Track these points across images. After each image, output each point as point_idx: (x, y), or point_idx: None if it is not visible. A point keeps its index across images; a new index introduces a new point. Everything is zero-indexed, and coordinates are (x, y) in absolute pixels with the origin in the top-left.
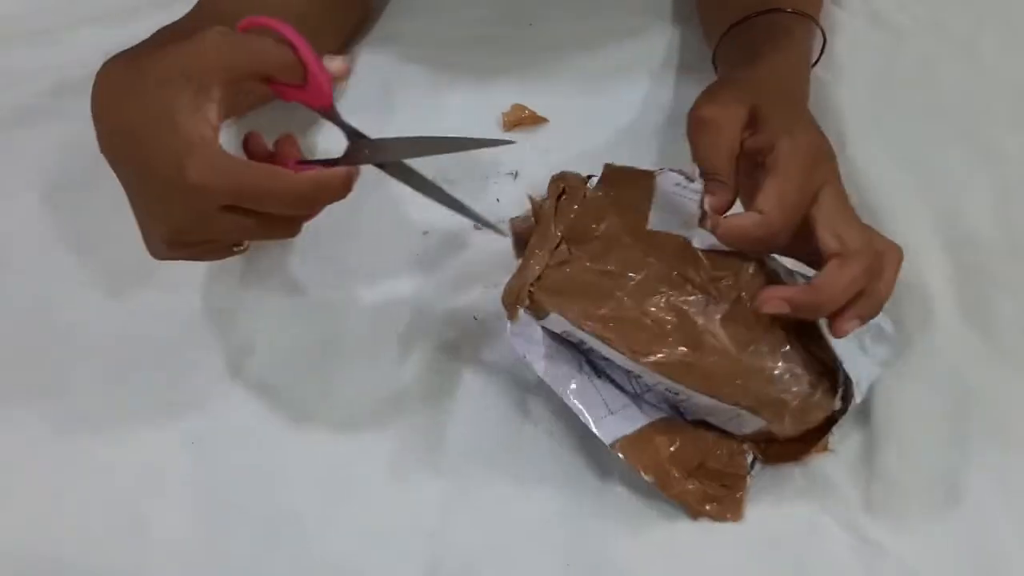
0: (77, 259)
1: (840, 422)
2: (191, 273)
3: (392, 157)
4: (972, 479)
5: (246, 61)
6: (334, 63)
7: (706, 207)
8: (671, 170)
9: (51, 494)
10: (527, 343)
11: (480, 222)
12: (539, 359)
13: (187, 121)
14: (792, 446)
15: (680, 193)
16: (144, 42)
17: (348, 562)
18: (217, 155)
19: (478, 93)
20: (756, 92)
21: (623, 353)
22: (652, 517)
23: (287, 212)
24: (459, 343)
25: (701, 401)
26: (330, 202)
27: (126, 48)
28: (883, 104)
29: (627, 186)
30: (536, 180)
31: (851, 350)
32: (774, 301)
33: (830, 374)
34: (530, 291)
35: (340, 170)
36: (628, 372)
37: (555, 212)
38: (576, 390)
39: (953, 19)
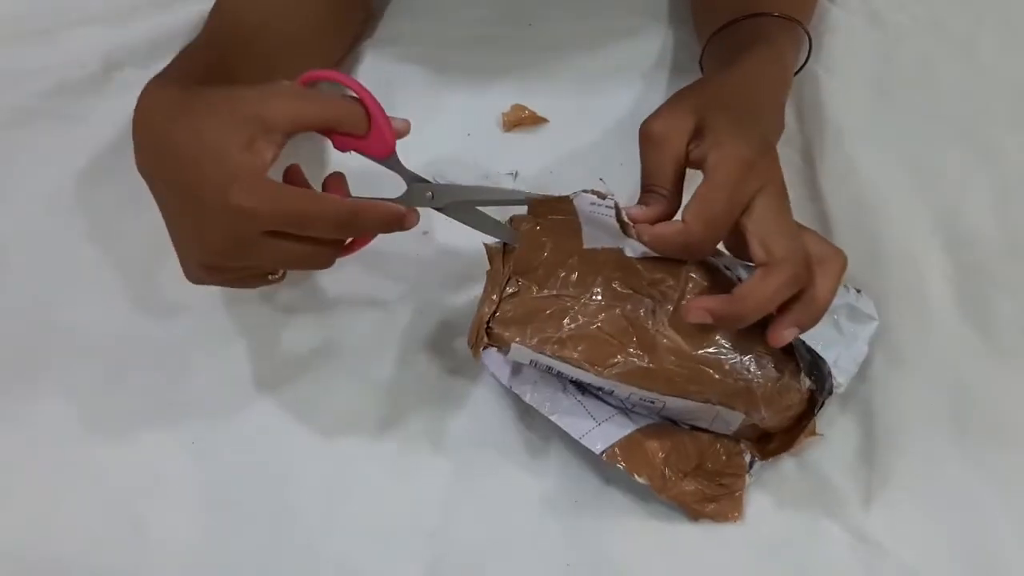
0: (77, 259)
1: (824, 403)
2: None
3: (450, 200)
4: (972, 479)
5: (314, 115)
6: (397, 121)
7: (625, 217)
8: (584, 191)
9: (51, 494)
10: (511, 374)
11: None
12: (524, 387)
13: (239, 154)
14: (785, 438)
15: (598, 211)
16: (181, 61)
17: (349, 561)
18: (262, 180)
19: (478, 93)
20: (705, 102)
21: (586, 369)
22: (652, 517)
23: (329, 236)
24: (459, 343)
25: (676, 404)
26: (375, 231)
27: (168, 70)
28: (882, 104)
29: (554, 213)
30: (535, 180)
31: (823, 332)
32: (696, 311)
33: (795, 359)
34: (488, 327)
35: (387, 204)
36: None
37: (503, 253)
38: (562, 411)
39: (952, 19)
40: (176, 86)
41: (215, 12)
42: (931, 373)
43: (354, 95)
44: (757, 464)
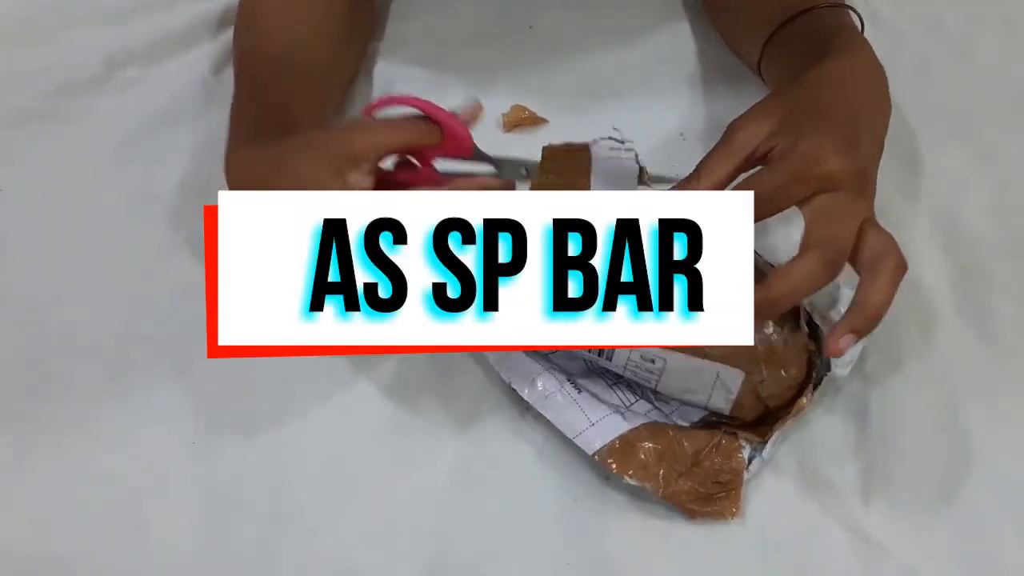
0: (77, 259)
1: (821, 380)
2: (191, 272)
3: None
4: (972, 479)
5: (391, 140)
6: (466, 109)
7: (642, 162)
8: (603, 138)
9: (51, 494)
10: (512, 370)
11: None
12: (523, 383)
13: (334, 184)
14: (784, 411)
15: (616, 156)
16: (240, 121)
17: (349, 562)
18: None
19: (478, 93)
20: (791, 104)
21: None
22: (652, 516)
23: None
24: None
25: (676, 365)
26: None
27: (236, 136)
28: None
29: (566, 162)
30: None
31: (827, 303)
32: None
33: (794, 317)
34: None
35: (485, 179)
36: (610, 383)
37: None
38: (558, 410)
39: (952, 19)
40: (256, 144)
41: (243, 63)
42: (930, 373)
43: (418, 111)
44: (756, 460)
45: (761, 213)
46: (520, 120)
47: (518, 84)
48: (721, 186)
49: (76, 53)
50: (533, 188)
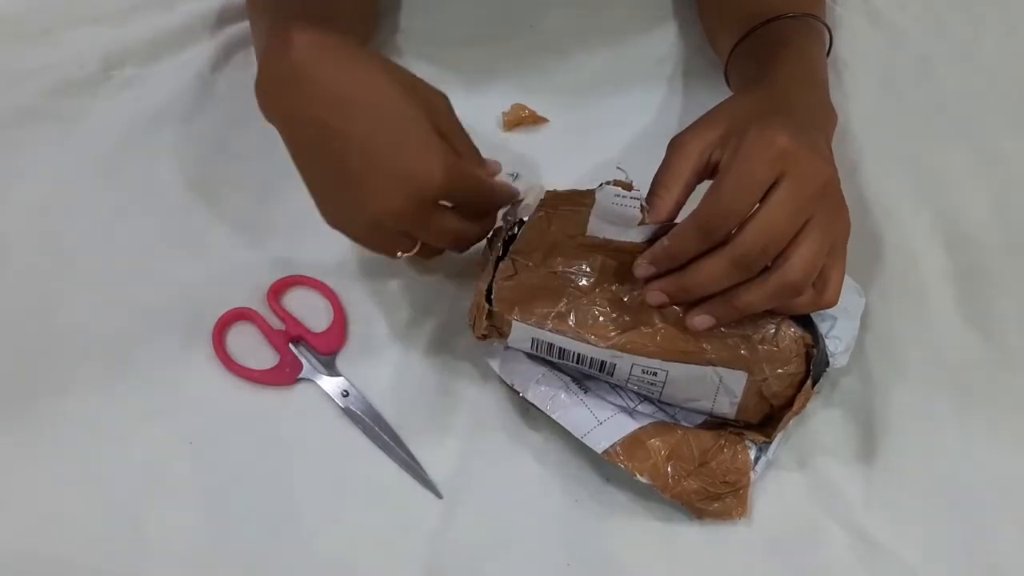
0: (77, 259)
1: (820, 375)
2: (190, 272)
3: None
4: (972, 479)
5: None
6: (491, 163)
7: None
8: (607, 183)
9: (51, 494)
10: (514, 373)
11: None
12: (526, 384)
13: (429, 129)
14: (786, 410)
15: (620, 203)
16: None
17: (348, 562)
18: (451, 152)
19: (478, 93)
20: (735, 114)
21: (587, 341)
22: (652, 517)
23: (486, 209)
24: (459, 343)
25: (678, 375)
26: (500, 208)
27: (292, 16)
28: (883, 104)
29: (567, 204)
30: (536, 180)
31: None
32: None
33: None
34: (488, 308)
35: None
36: (613, 385)
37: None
38: (564, 410)
39: (953, 19)
40: (326, 34)
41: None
42: (931, 373)
43: None
44: (762, 460)
45: (723, 222)
46: (520, 119)
47: (518, 83)
48: (679, 203)
49: (74, 53)
50: (531, 223)
